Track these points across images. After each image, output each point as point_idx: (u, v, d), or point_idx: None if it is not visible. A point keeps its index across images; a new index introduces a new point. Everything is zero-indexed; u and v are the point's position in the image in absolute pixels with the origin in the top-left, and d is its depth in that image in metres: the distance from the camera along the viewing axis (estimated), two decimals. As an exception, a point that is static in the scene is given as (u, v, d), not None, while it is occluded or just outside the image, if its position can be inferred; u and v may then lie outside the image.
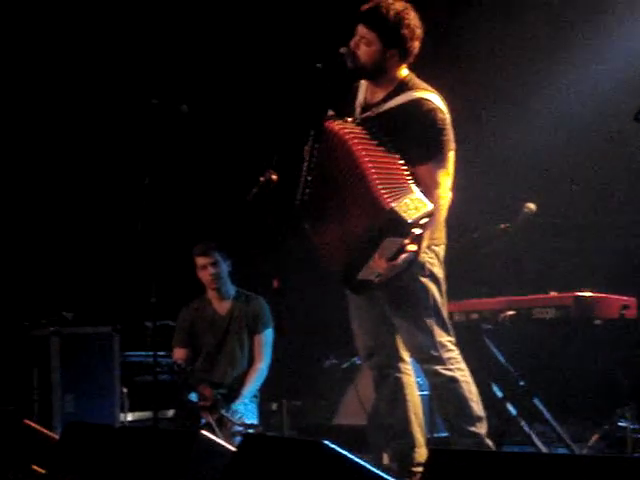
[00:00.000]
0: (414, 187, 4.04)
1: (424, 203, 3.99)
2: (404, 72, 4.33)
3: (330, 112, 4.26)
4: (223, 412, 5.80)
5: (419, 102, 4.22)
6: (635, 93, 6.37)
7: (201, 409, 5.87)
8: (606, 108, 6.81)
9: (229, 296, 6.27)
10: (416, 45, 4.28)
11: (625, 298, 5.45)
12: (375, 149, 4.12)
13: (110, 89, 7.62)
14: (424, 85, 4.31)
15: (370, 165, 4.03)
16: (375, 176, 4.00)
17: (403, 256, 4.00)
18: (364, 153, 4.07)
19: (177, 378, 5.87)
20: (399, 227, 3.95)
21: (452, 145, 4.25)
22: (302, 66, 4.45)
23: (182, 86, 7.14)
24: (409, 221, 3.92)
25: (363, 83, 4.43)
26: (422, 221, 3.97)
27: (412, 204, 3.96)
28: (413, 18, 4.24)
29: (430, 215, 4.00)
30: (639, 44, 6.74)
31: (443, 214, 4.16)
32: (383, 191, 3.97)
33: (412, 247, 4.01)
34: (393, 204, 3.93)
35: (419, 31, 4.26)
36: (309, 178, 4.22)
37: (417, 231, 3.97)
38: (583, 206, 6.99)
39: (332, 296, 4.70)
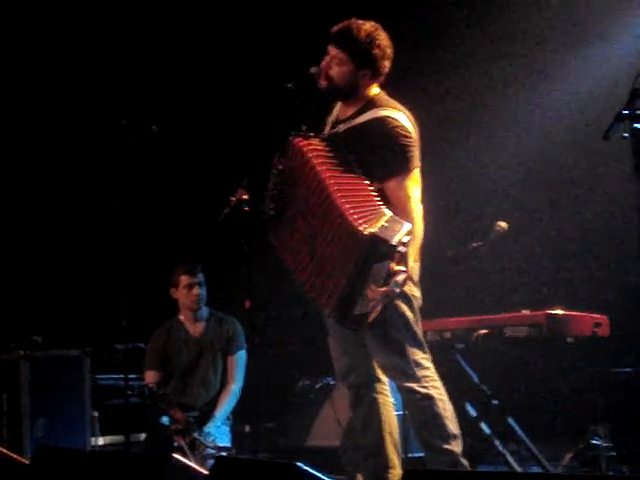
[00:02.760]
0: (385, 209, 4.03)
1: (400, 222, 3.98)
2: (375, 90, 4.35)
3: (303, 128, 4.24)
4: (196, 435, 5.74)
5: (383, 120, 4.23)
6: (603, 112, 6.41)
7: (173, 432, 5.81)
8: (577, 127, 6.85)
9: (203, 318, 6.22)
10: (387, 64, 4.30)
11: (597, 316, 5.45)
12: (338, 167, 4.11)
13: (79, 110, 7.59)
14: (392, 103, 4.32)
15: (336, 188, 4.01)
16: (344, 200, 3.98)
17: (395, 279, 3.97)
18: (329, 174, 4.05)
19: (148, 401, 5.80)
20: (384, 251, 3.92)
21: (417, 162, 4.25)
22: (273, 86, 4.44)
23: (152, 106, 7.11)
24: (393, 242, 3.90)
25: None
26: (404, 239, 3.95)
27: (389, 225, 3.95)
28: (384, 38, 4.27)
29: (410, 232, 3.99)
30: (608, 61, 6.79)
31: (420, 226, 4.15)
32: (356, 216, 3.94)
33: (400, 267, 3.98)
34: (371, 229, 3.91)
35: (389, 50, 4.30)
36: (274, 192, 4.21)
37: (402, 249, 3.95)
38: (555, 224, 7.02)
39: (305, 317, 4.68)
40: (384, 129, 4.20)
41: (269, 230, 4.26)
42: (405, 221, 4.00)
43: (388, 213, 4.01)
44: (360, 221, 3.94)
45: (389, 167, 4.17)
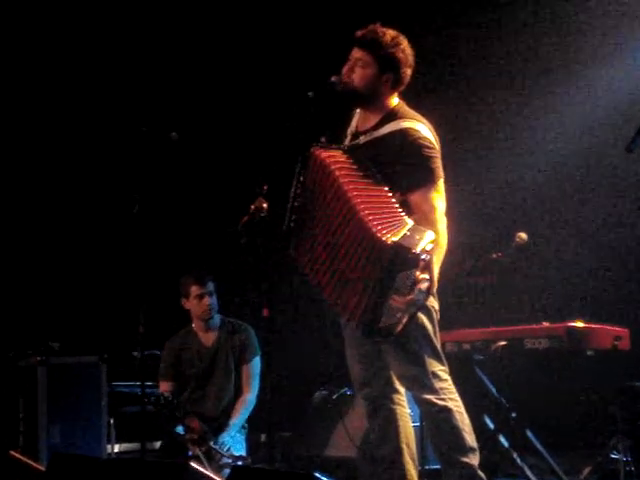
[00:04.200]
0: (407, 219, 4.02)
1: (422, 230, 3.97)
2: (395, 101, 4.34)
3: (322, 139, 4.22)
4: (211, 444, 5.72)
5: (406, 131, 4.21)
6: (626, 125, 6.38)
7: (188, 442, 5.78)
8: (598, 141, 6.83)
9: (215, 327, 6.19)
10: (408, 72, 4.30)
11: (618, 329, 5.42)
12: (360, 179, 4.09)
13: (99, 117, 7.59)
14: (413, 114, 4.31)
15: (359, 200, 3.99)
16: (367, 212, 3.96)
17: (419, 286, 3.94)
18: (351, 187, 4.02)
19: (164, 410, 5.78)
20: (408, 260, 3.90)
21: (441, 173, 4.23)
22: (293, 94, 4.43)
23: (172, 113, 7.11)
24: (416, 251, 3.88)
25: (358, 111, 4.42)
26: (428, 247, 3.93)
27: (412, 234, 3.93)
28: (407, 45, 4.29)
29: (433, 240, 3.97)
30: (629, 74, 6.76)
31: (444, 237, 4.12)
32: (379, 227, 3.93)
33: (424, 275, 3.95)
34: (394, 238, 3.89)
35: (412, 58, 4.30)
36: (295, 204, 4.18)
37: (426, 257, 3.93)
38: (576, 236, 6.98)
39: (323, 327, 4.65)
40: (407, 141, 4.18)
41: (289, 243, 4.23)
42: (428, 229, 3.98)
43: (410, 222, 3.99)
44: (384, 231, 3.92)
45: (414, 179, 4.15)
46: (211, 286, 6.10)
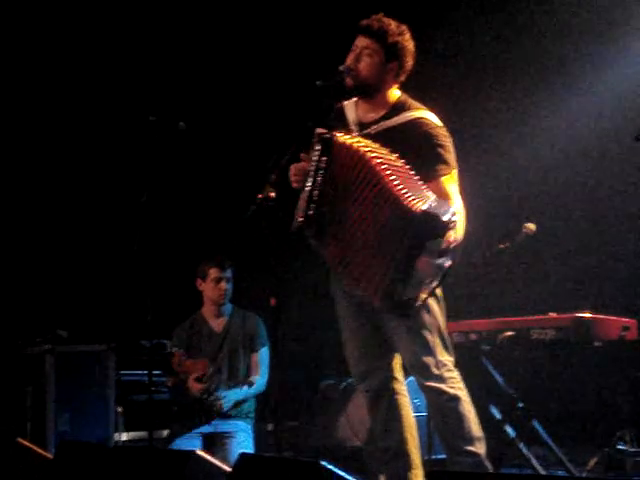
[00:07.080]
0: (430, 193, 4.03)
1: (446, 202, 4.03)
2: (397, 93, 4.35)
3: (319, 130, 4.19)
4: (217, 394, 5.79)
5: (419, 121, 4.23)
6: (636, 114, 6.37)
7: (193, 382, 5.82)
8: (607, 130, 6.81)
9: (226, 313, 6.20)
10: (411, 62, 4.33)
11: (625, 320, 5.40)
12: (387, 158, 4.08)
13: (107, 106, 7.60)
14: (420, 105, 4.32)
15: (392, 176, 4.00)
16: (400, 186, 3.97)
17: (446, 253, 4.00)
18: (384, 166, 4.02)
19: (172, 363, 5.82)
20: (437, 227, 3.94)
21: (455, 163, 4.26)
22: (301, 84, 4.43)
23: (180, 103, 7.12)
24: (445, 219, 3.93)
25: (349, 104, 4.42)
26: (453, 218, 3.98)
27: (437, 204, 3.96)
28: (410, 35, 4.32)
29: (455, 213, 4.01)
30: (637, 66, 6.75)
31: (463, 223, 4.14)
32: (411, 198, 3.95)
33: (451, 242, 4.00)
34: (423, 207, 3.92)
35: (413, 48, 4.33)
36: (315, 193, 4.17)
37: (453, 226, 3.99)
38: (583, 227, 6.97)
39: (329, 316, 4.65)
40: (422, 130, 4.21)
41: (308, 232, 4.21)
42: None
43: (433, 196, 4.02)
44: (416, 201, 3.95)
45: (430, 168, 4.17)
46: (229, 273, 6.12)
